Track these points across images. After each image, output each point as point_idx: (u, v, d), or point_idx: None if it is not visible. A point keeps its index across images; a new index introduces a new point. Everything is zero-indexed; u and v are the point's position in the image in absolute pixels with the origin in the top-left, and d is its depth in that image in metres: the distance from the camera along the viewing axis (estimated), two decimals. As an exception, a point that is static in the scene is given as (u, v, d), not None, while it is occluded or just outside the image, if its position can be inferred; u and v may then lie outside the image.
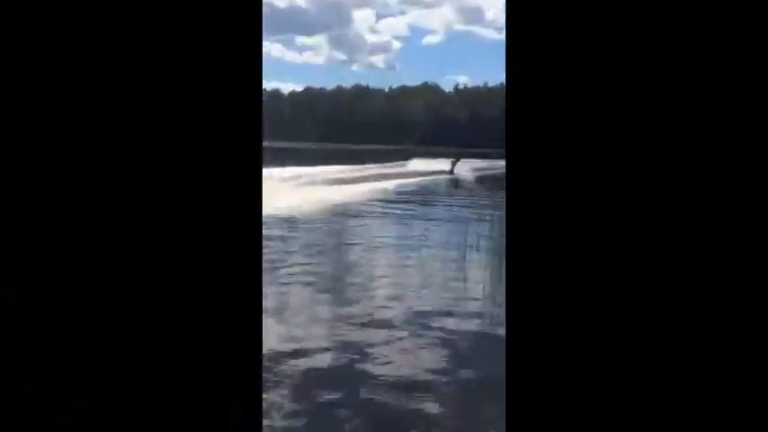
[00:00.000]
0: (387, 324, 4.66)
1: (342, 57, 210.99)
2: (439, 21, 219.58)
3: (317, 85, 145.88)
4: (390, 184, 18.77)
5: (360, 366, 3.76)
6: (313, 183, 16.88)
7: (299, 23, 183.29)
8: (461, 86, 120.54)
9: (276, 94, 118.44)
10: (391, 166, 27.56)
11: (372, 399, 3.31)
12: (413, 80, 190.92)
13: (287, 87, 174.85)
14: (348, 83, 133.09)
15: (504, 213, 1.47)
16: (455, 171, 27.66)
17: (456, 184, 23.09)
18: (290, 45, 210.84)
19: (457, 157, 28.64)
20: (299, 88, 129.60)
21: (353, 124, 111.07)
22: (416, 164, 29.58)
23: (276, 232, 8.70)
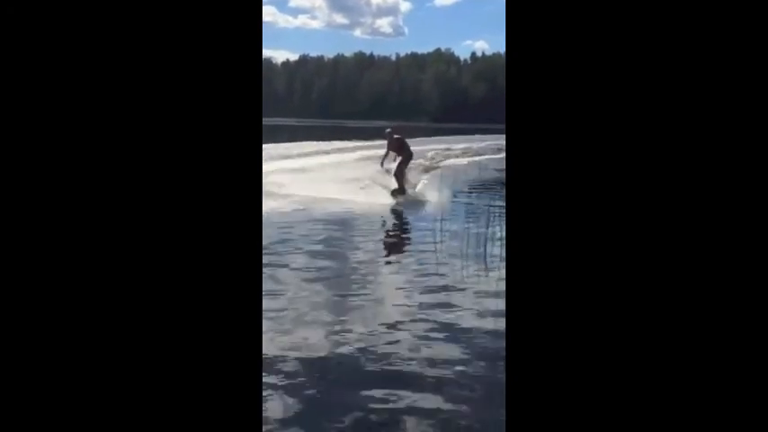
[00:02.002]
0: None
1: (342, 21, 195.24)
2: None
3: (314, 53, 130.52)
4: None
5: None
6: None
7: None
8: (479, 54, 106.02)
9: (268, 63, 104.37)
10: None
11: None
12: (424, 47, 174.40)
13: (280, 56, 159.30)
14: (350, 50, 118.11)
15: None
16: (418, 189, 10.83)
17: None
18: (282, 7, 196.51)
19: (404, 155, 10.31)
20: (294, 57, 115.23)
21: (355, 98, 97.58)
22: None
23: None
